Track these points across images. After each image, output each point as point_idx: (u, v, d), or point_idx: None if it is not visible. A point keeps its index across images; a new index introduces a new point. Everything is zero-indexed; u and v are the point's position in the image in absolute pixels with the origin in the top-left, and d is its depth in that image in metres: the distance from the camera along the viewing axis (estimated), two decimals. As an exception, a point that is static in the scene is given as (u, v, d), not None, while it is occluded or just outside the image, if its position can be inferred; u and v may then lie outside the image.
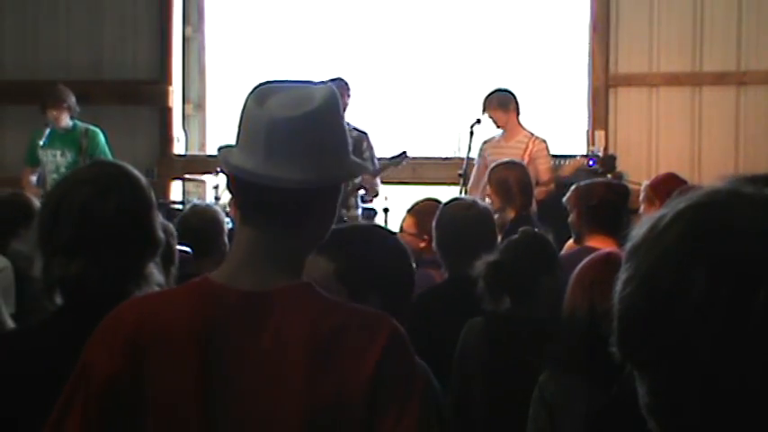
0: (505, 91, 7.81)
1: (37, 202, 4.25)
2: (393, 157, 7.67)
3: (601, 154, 8.55)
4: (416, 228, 4.86)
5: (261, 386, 1.80)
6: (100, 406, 1.82)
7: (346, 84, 7.88)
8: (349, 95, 7.87)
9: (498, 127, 7.76)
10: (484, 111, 7.75)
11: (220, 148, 1.93)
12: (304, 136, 1.82)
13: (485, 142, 7.85)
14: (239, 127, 1.89)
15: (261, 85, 1.90)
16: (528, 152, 7.59)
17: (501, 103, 7.72)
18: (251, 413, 1.80)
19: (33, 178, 7.83)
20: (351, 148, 1.96)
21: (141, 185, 2.41)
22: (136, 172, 2.45)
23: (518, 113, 7.74)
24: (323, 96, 1.85)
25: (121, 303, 1.93)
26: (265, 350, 1.80)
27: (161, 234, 2.42)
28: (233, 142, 1.91)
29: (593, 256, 3.19)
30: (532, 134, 7.71)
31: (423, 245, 4.79)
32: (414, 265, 2.55)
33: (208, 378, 1.80)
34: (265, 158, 1.81)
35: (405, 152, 7.63)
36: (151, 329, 1.83)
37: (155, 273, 2.40)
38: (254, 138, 1.83)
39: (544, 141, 7.69)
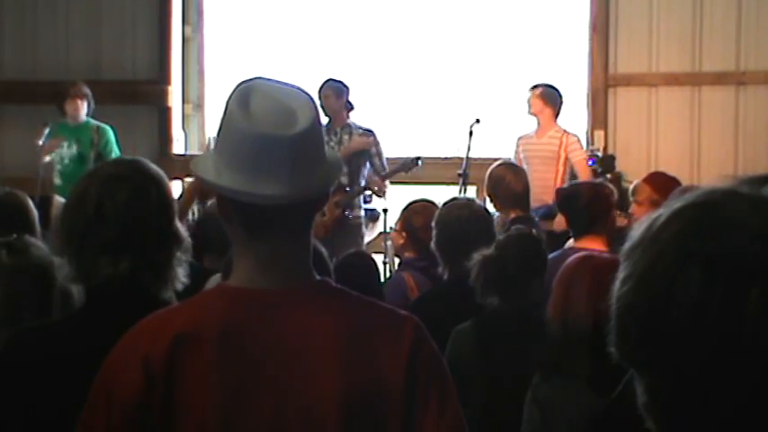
0: (557, 90, 7.90)
1: (30, 202, 4.22)
2: (405, 164, 7.69)
3: (600, 154, 8.55)
4: (400, 224, 4.91)
5: (296, 382, 1.81)
6: (126, 427, 1.79)
7: (345, 85, 7.89)
8: (348, 95, 7.88)
9: (530, 113, 7.85)
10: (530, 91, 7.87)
11: (197, 162, 1.92)
12: (295, 155, 1.82)
13: (519, 138, 7.96)
14: (222, 136, 1.87)
15: (240, 86, 1.88)
16: (563, 147, 7.69)
17: (546, 93, 7.84)
18: (288, 410, 1.80)
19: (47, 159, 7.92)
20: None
21: (167, 183, 2.46)
22: (159, 170, 2.49)
23: (556, 114, 7.83)
24: (308, 114, 1.86)
25: (140, 321, 1.90)
26: (295, 346, 1.82)
27: (184, 231, 2.46)
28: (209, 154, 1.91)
29: (571, 258, 3.24)
30: (565, 130, 7.82)
31: (401, 241, 4.83)
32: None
33: (240, 380, 1.80)
34: (258, 177, 1.80)
35: (419, 158, 7.65)
36: (177, 341, 1.80)
37: (181, 270, 2.44)
38: (245, 156, 1.82)
39: (576, 136, 7.84)
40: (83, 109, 8.02)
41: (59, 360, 2.29)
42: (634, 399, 1.14)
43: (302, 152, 1.83)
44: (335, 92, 7.80)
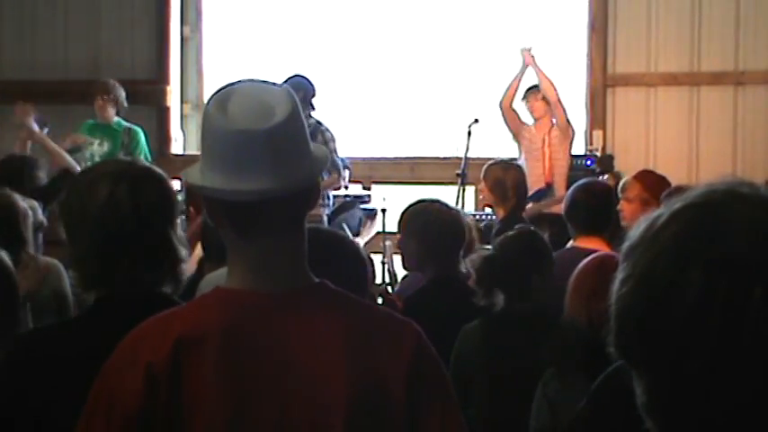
0: None
1: (22, 203, 4.18)
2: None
3: (599, 154, 8.56)
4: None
5: (299, 384, 1.80)
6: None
7: (309, 82, 7.86)
8: (311, 94, 7.84)
9: (534, 117, 7.98)
10: (525, 98, 7.98)
11: (186, 171, 1.91)
12: (274, 147, 1.80)
13: (524, 123, 8.05)
14: (203, 139, 1.87)
15: (219, 91, 1.89)
16: (547, 132, 7.89)
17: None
18: (293, 412, 1.79)
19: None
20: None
21: (167, 183, 2.46)
22: (159, 169, 2.49)
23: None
24: (285, 107, 1.84)
25: (139, 325, 1.88)
26: (297, 349, 1.81)
27: (182, 232, 2.46)
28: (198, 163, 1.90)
29: (586, 261, 3.22)
30: (554, 124, 7.99)
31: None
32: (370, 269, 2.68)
33: (244, 382, 1.78)
34: (239, 174, 1.79)
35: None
36: (178, 345, 1.78)
37: (185, 270, 2.43)
38: (224, 154, 1.81)
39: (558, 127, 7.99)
40: (108, 110, 8.08)
41: (56, 361, 2.29)
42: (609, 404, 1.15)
43: (281, 144, 1.81)
44: (293, 86, 7.78)
